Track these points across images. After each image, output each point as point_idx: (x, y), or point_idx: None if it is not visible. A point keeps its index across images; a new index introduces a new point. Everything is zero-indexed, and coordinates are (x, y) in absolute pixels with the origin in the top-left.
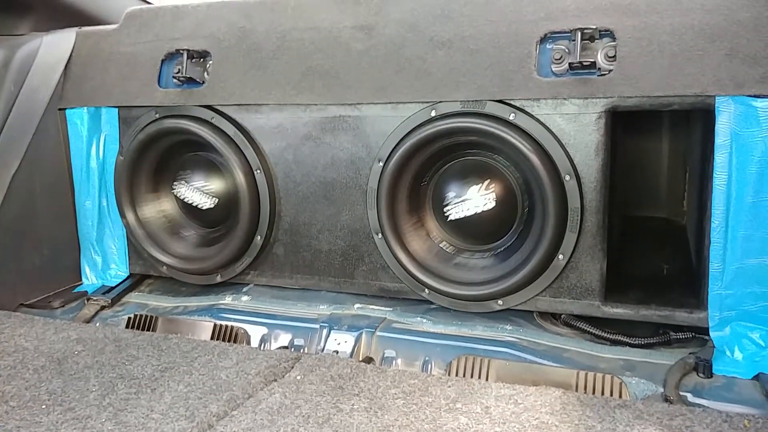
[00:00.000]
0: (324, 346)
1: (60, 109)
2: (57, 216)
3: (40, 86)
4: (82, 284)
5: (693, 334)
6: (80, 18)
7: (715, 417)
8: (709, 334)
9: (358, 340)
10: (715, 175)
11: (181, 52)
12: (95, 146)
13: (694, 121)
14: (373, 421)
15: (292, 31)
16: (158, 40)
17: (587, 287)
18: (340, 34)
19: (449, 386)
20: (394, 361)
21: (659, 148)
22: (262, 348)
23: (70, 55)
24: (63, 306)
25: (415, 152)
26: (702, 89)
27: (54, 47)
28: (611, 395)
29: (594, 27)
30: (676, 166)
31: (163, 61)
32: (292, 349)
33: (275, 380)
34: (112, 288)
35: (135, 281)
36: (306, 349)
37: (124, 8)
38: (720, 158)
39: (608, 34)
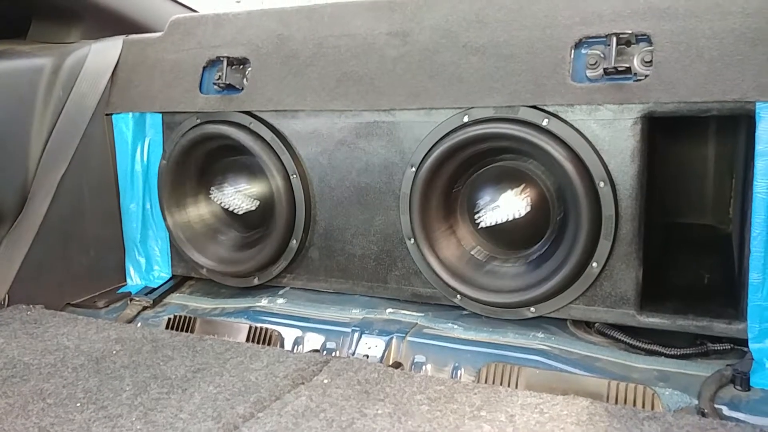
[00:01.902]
0: (355, 350)
1: (107, 115)
2: (103, 218)
3: (88, 92)
4: (126, 285)
5: (732, 345)
6: (128, 26)
7: None
8: (748, 346)
9: (388, 344)
10: (755, 182)
11: (222, 59)
12: (140, 151)
13: (740, 126)
14: (395, 426)
15: (328, 38)
16: (200, 48)
17: (622, 296)
18: (374, 40)
19: (475, 393)
20: (423, 367)
21: (705, 153)
22: (294, 350)
23: (117, 62)
24: (107, 306)
25: (448, 158)
26: (742, 95)
27: (102, 54)
28: (643, 406)
29: (630, 32)
30: (722, 171)
31: (204, 68)
32: (324, 353)
33: (303, 383)
34: (155, 289)
35: (177, 282)
36: (337, 352)
37: (170, 16)
38: (761, 165)
39: (645, 38)
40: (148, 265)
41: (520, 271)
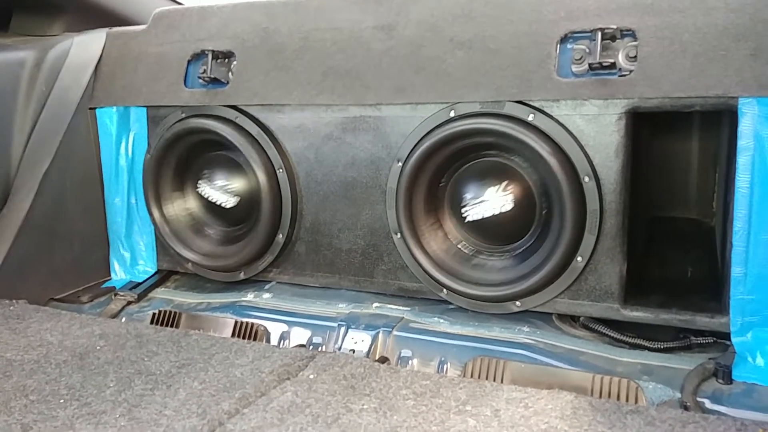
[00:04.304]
0: (341, 344)
1: (90, 109)
2: (87, 213)
3: (71, 86)
4: (110, 279)
5: (714, 338)
6: (111, 19)
7: (729, 425)
8: (730, 339)
9: (374, 339)
10: (737, 177)
11: (206, 52)
12: (124, 145)
13: (724, 120)
14: (381, 421)
15: (314, 32)
16: (185, 41)
17: (606, 290)
18: (361, 34)
19: (461, 388)
20: (410, 361)
21: (689, 147)
22: (281, 345)
23: (101, 55)
24: (91, 301)
25: (434, 153)
26: (725, 90)
27: (85, 47)
28: (627, 400)
29: (615, 27)
30: (706, 165)
31: (189, 61)
32: (310, 347)
33: (288, 379)
34: (140, 283)
35: (162, 277)
36: (324, 347)
37: (154, 9)
38: (743, 160)
39: (630, 33)
40: (132, 259)
41: (506, 265)
